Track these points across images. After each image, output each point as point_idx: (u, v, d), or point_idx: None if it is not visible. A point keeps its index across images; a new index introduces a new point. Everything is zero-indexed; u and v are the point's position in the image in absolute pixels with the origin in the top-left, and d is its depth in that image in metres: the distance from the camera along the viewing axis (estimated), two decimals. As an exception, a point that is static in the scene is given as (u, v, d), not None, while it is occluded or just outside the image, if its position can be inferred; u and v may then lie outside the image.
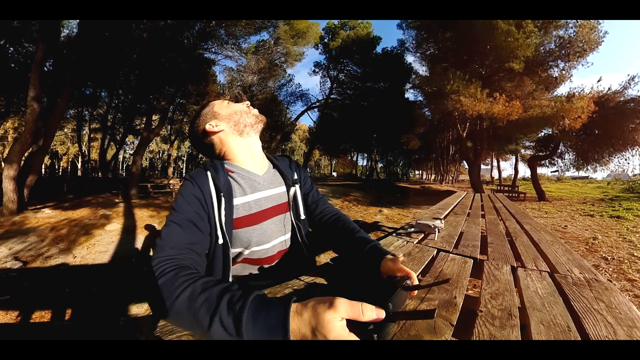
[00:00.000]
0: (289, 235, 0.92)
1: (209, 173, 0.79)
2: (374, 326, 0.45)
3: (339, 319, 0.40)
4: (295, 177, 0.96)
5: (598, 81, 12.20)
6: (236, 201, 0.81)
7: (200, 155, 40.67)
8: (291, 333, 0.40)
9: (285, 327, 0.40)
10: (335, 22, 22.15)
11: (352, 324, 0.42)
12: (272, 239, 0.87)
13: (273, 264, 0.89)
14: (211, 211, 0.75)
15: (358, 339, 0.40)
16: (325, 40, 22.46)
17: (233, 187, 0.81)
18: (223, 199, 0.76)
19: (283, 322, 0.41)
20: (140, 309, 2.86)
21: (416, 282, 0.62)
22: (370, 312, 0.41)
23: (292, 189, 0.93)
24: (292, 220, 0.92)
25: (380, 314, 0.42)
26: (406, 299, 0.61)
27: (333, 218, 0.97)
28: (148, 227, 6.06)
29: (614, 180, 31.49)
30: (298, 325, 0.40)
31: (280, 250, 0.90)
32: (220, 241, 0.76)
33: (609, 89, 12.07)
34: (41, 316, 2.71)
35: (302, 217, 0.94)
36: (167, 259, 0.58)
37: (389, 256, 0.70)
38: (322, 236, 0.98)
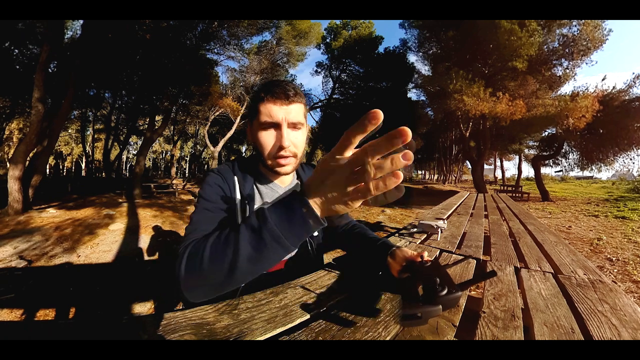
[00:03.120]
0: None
1: (236, 178, 0.79)
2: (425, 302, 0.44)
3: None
4: None
5: (602, 80, 12.10)
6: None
7: (203, 156, 40.79)
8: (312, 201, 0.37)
9: (302, 196, 0.38)
10: (337, 22, 22.16)
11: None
12: None
13: (280, 267, 0.89)
14: (233, 212, 0.76)
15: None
16: (328, 40, 22.48)
17: (255, 196, 0.82)
18: (248, 207, 0.77)
19: (299, 192, 0.39)
20: (143, 308, 2.87)
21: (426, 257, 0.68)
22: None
23: None
24: None
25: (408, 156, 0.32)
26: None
27: (350, 225, 1.00)
28: (156, 228, 6.12)
29: (619, 180, 31.22)
30: (314, 189, 0.37)
31: (287, 258, 0.89)
32: None
33: (614, 87, 11.98)
34: (45, 314, 2.74)
35: (315, 233, 0.93)
36: (195, 240, 0.59)
37: (396, 247, 0.77)
38: (339, 242, 0.99)
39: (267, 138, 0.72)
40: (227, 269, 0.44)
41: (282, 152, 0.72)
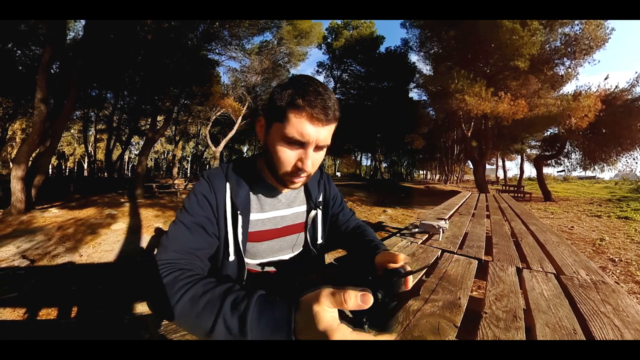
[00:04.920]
0: (299, 251, 0.89)
1: (228, 185, 0.73)
2: (367, 316, 0.43)
3: (326, 310, 0.38)
4: (320, 199, 0.90)
5: (605, 79, 12.03)
6: (252, 217, 0.76)
7: (204, 156, 40.89)
8: (295, 332, 0.39)
9: (289, 326, 0.39)
10: (338, 22, 22.20)
11: (346, 317, 0.40)
12: (280, 255, 0.85)
13: (281, 271, 0.87)
14: (222, 223, 0.71)
15: (350, 329, 0.37)
16: (329, 40, 22.50)
17: (251, 203, 0.77)
18: (240, 217, 0.71)
19: (287, 321, 0.40)
20: (145, 307, 2.88)
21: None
22: (354, 299, 0.36)
23: (313, 212, 0.87)
24: (305, 240, 0.88)
25: (366, 300, 0.37)
26: (399, 288, 0.58)
27: (354, 227, 0.96)
28: (157, 230, 6.14)
29: (622, 180, 31.08)
30: (300, 323, 0.40)
31: (288, 262, 0.87)
32: (232, 258, 0.73)
33: (617, 87, 11.91)
34: (48, 313, 2.75)
35: (319, 241, 0.90)
36: (167, 263, 0.57)
37: (385, 250, 0.71)
38: (341, 242, 0.96)
39: (288, 155, 0.63)
40: (200, 333, 0.46)
41: (300, 174, 0.65)
